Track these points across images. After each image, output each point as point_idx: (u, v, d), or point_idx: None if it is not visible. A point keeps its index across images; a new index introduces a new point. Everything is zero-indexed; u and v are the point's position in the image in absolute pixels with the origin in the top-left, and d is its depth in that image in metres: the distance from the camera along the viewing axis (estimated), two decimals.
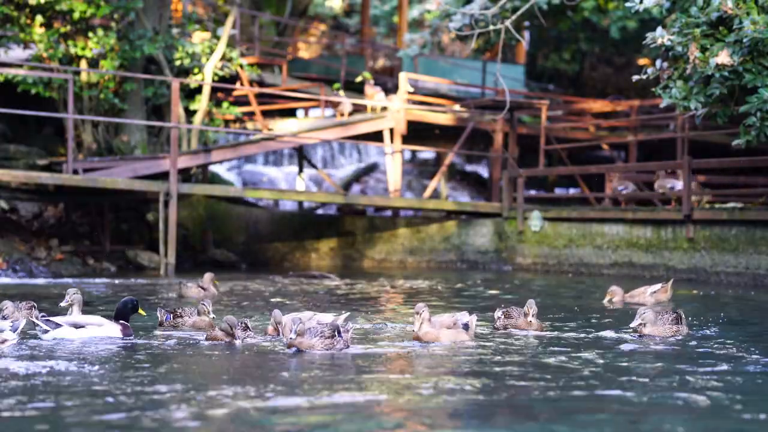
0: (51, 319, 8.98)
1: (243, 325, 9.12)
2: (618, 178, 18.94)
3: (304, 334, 8.44)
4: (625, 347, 8.91)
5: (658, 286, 13.06)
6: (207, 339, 9.06)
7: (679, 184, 17.54)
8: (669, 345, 9.05)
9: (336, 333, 8.50)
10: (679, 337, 9.38)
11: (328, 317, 10.11)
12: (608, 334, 9.75)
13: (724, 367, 7.76)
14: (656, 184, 17.92)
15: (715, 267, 16.49)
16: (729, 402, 6.43)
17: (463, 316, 9.21)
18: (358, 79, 23.39)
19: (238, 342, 8.89)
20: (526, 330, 9.73)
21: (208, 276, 13.73)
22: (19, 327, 8.50)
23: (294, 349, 8.45)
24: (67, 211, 20.12)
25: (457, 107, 22.88)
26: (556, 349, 8.75)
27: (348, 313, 10.27)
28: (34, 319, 8.95)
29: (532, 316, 9.75)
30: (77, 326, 8.96)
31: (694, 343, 9.18)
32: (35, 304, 9.69)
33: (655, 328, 9.44)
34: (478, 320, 9.51)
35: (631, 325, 9.56)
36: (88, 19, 19.65)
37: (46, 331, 8.85)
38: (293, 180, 25.02)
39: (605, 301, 12.77)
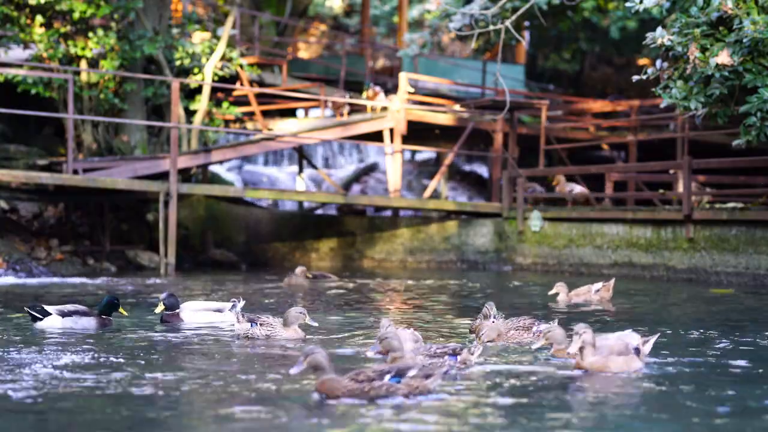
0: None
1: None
2: (564, 180, 19.13)
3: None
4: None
5: (600, 284, 12.87)
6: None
7: (577, 188, 18.75)
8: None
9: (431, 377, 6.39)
10: (628, 374, 7.40)
11: (215, 306, 10.24)
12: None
13: None
14: (557, 189, 18.95)
15: (715, 267, 16.49)
16: None
17: (632, 337, 7.66)
18: (367, 93, 23.11)
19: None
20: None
21: (300, 269, 15.35)
22: None
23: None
24: (67, 211, 20.12)
25: (457, 107, 22.87)
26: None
27: (242, 302, 10.07)
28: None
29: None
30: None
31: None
32: None
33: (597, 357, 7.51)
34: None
35: (569, 351, 7.59)
36: (88, 19, 19.65)
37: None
38: (293, 180, 25.02)
39: (551, 292, 12.68)
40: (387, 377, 6.18)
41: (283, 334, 9.00)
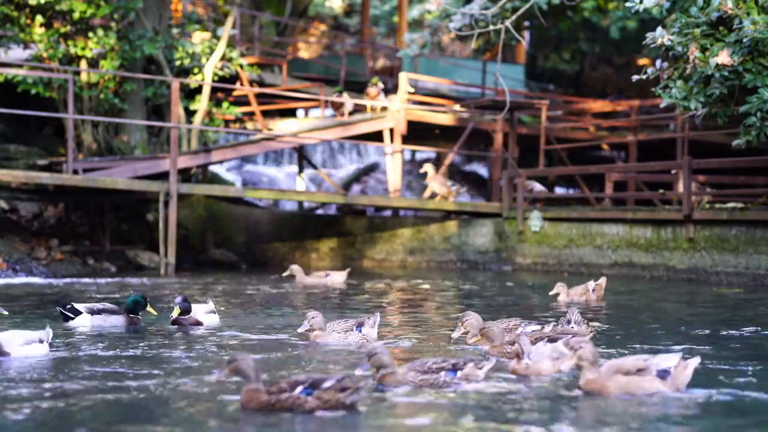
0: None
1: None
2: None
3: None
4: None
5: (593, 283, 12.91)
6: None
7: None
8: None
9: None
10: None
11: (202, 308, 10.21)
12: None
13: None
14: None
15: (715, 267, 16.49)
16: None
17: (663, 359, 6.58)
18: (373, 83, 23.02)
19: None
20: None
21: (297, 267, 15.98)
22: None
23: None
24: (67, 211, 20.12)
25: (457, 107, 22.86)
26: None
27: (210, 300, 10.39)
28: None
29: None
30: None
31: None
32: None
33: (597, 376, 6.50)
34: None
35: (562, 369, 6.96)
36: (88, 19, 19.65)
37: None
38: (293, 180, 25.02)
39: (552, 292, 12.68)
40: (299, 389, 5.92)
41: (350, 337, 8.86)
